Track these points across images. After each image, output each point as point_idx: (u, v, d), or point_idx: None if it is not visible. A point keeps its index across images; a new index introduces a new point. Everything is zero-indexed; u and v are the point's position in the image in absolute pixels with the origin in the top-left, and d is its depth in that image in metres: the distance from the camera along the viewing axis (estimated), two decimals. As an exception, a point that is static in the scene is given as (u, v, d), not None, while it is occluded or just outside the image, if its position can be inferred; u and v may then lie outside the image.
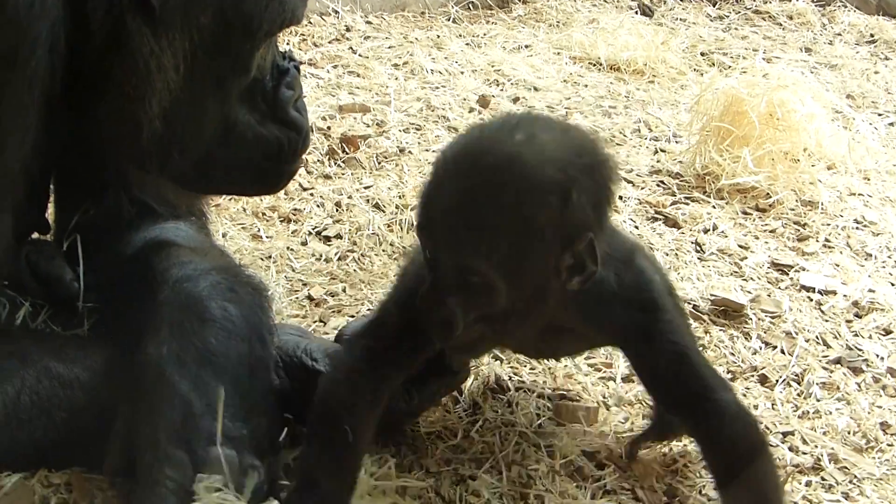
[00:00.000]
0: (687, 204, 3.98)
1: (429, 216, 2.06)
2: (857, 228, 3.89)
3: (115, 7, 2.19)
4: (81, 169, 2.49)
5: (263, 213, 3.61)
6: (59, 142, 2.31)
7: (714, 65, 5.69)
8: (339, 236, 3.52)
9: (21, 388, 2.22)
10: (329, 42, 5.41)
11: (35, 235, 2.75)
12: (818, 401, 2.83)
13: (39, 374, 2.24)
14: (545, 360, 2.82)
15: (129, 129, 2.31)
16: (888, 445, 2.67)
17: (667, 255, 3.56)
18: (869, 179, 4.35)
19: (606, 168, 2.10)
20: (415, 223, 2.16)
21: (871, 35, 6.57)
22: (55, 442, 2.23)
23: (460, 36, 5.78)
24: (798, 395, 2.86)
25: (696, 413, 2.23)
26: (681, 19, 6.49)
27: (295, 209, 3.66)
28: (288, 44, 4.94)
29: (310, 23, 5.52)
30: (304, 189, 3.81)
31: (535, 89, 5.09)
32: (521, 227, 1.99)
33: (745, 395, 2.80)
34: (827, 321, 3.22)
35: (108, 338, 2.46)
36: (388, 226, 3.59)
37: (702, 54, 5.88)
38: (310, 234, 3.53)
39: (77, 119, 2.32)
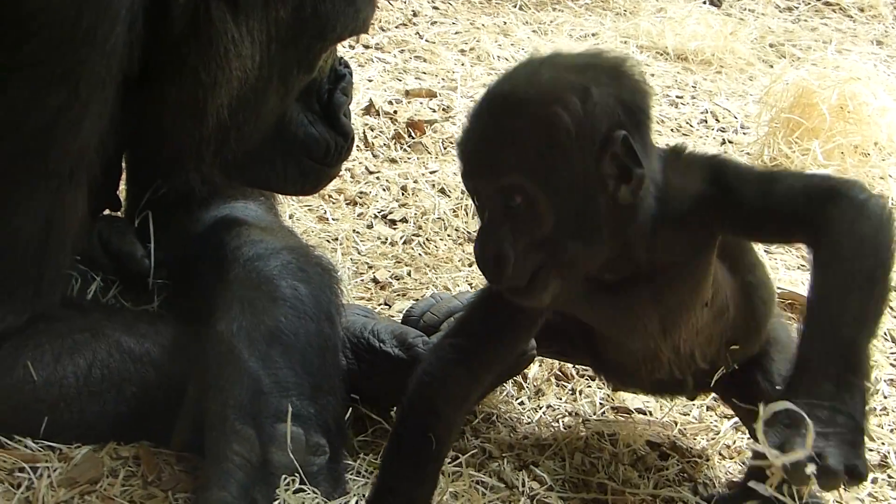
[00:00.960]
0: (754, 196, 3.94)
1: (465, 152, 2.04)
2: (927, 224, 3.82)
3: None
4: (154, 147, 2.52)
5: (330, 196, 3.62)
6: (134, 120, 2.34)
7: (784, 56, 5.63)
8: (404, 220, 3.52)
9: (93, 361, 2.25)
10: (396, 27, 5.41)
11: (106, 212, 2.79)
12: (885, 398, 2.79)
13: (111, 348, 2.27)
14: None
15: (197, 115, 2.35)
16: (956, 444, 2.63)
17: (733, 247, 3.52)
18: (940, 175, 4.27)
19: (630, 71, 2.05)
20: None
21: (945, 28, 6.46)
22: (124, 415, 2.27)
23: (527, 23, 5.75)
24: (865, 390, 2.83)
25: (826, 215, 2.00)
26: (749, 10, 6.41)
27: (361, 192, 3.67)
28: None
29: (377, 7, 5.53)
30: (371, 172, 3.82)
31: (602, 77, 5.05)
32: (546, 132, 1.94)
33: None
34: (895, 318, 3.17)
35: (178, 314, 2.49)
36: (454, 211, 3.58)
37: (770, 45, 5.80)
38: (375, 217, 3.54)
39: (150, 99, 2.35)
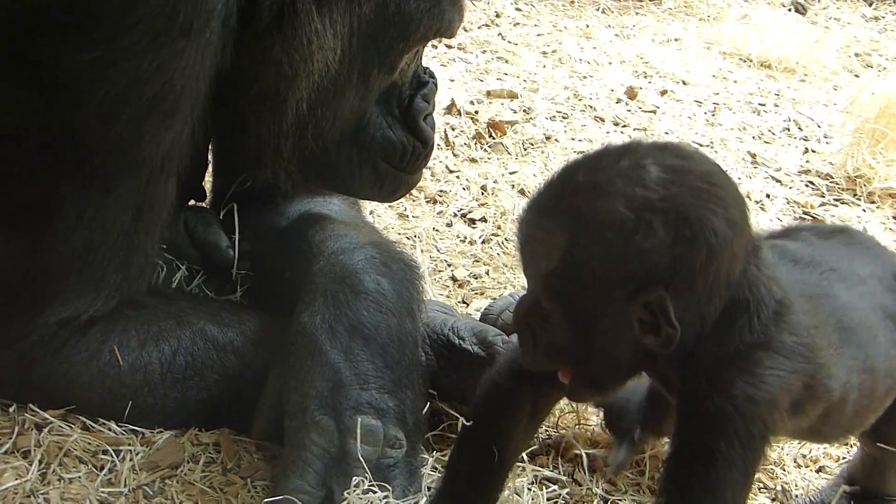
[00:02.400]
0: (836, 206, 3.92)
1: (517, 230, 1.96)
2: None
3: None
4: (240, 140, 2.56)
5: (410, 194, 3.63)
6: (222, 112, 2.38)
7: (870, 66, 5.57)
8: (483, 219, 3.54)
9: (177, 348, 2.30)
10: (479, 27, 5.43)
11: (192, 203, 2.84)
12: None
13: (195, 336, 2.32)
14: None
15: (276, 108, 2.38)
16: None
17: (814, 256, 3.50)
18: None
19: (706, 218, 1.79)
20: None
21: None
22: (206, 402, 2.31)
23: (609, 26, 5.75)
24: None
25: None
26: (835, 18, 6.35)
27: (441, 191, 3.69)
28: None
29: (465, 12, 5.55)
30: (451, 171, 3.84)
31: (684, 83, 5.04)
32: (576, 258, 1.82)
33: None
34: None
35: (261, 304, 2.53)
36: (533, 212, 3.59)
37: (856, 55, 5.74)
38: (455, 215, 3.56)
39: (236, 93, 2.39)
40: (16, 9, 2.11)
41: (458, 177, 3.80)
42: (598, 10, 5.97)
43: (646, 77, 5.06)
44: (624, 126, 4.41)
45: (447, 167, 3.86)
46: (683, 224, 1.78)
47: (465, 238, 3.42)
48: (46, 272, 2.21)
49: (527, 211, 1.92)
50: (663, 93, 4.85)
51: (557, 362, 1.94)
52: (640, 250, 1.77)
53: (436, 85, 2.63)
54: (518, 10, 5.80)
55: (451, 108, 4.22)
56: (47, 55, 2.09)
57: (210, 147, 2.77)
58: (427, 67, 2.63)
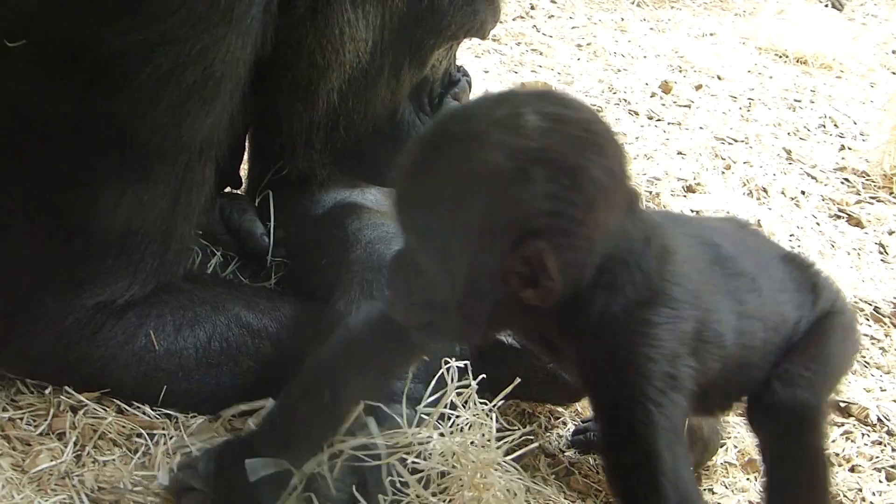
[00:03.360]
0: (872, 204, 3.90)
1: (394, 182, 1.86)
2: None
3: None
4: (275, 129, 2.57)
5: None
6: (260, 99, 2.39)
7: (908, 63, 5.54)
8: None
9: (212, 333, 2.31)
10: (513, 19, 5.43)
11: (228, 189, 2.85)
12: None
13: (230, 322, 2.33)
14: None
15: (308, 98, 2.39)
16: None
17: (848, 254, 3.49)
18: None
19: (585, 168, 1.72)
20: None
21: None
22: (240, 388, 2.32)
23: (644, 20, 5.74)
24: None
25: None
26: (872, 15, 6.32)
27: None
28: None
29: (499, 13, 5.55)
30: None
31: (719, 78, 5.03)
32: (452, 210, 1.74)
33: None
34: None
35: (296, 292, 2.54)
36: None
37: (893, 52, 5.73)
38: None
39: (271, 82, 2.40)
40: None
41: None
42: (633, 3, 5.96)
43: (681, 71, 5.05)
44: (658, 120, 4.40)
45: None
46: (562, 173, 1.70)
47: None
48: (84, 255, 2.22)
49: (402, 162, 1.81)
50: (698, 87, 4.84)
51: (429, 315, 1.85)
52: (518, 201, 1.70)
53: (469, 83, 2.63)
54: (553, 2, 5.79)
55: (485, 100, 4.21)
56: (89, 38, 2.09)
57: (247, 134, 2.78)
58: (461, 66, 2.63)
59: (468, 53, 4.57)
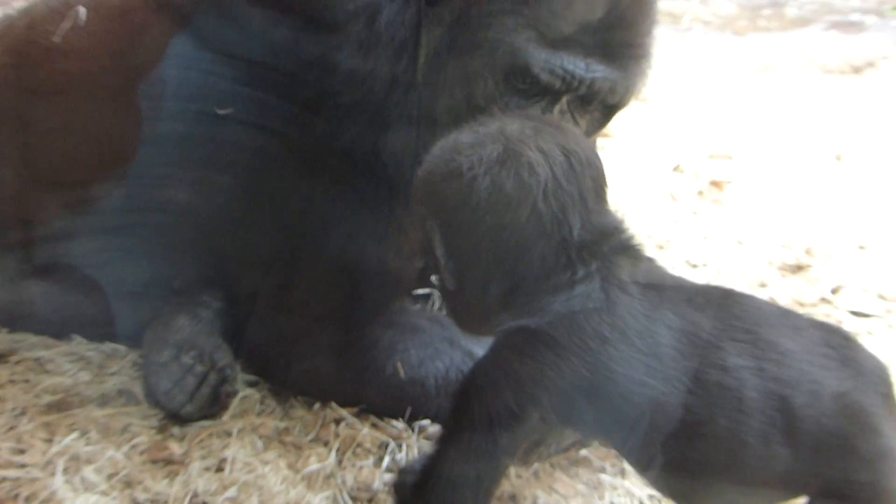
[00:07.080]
0: None
1: (418, 185, 2.12)
2: None
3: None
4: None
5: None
6: None
7: None
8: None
9: (450, 365, 2.53)
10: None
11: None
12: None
13: (465, 356, 2.54)
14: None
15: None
16: None
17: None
18: None
19: (493, 173, 1.94)
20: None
21: None
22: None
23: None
24: None
25: None
26: None
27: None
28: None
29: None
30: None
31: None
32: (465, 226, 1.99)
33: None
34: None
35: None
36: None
37: None
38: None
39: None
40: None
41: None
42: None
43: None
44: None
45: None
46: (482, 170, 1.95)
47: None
48: (352, 299, 2.53)
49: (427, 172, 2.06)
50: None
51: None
52: (426, 185, 2.04)
53: None
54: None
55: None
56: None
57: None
58: None
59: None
